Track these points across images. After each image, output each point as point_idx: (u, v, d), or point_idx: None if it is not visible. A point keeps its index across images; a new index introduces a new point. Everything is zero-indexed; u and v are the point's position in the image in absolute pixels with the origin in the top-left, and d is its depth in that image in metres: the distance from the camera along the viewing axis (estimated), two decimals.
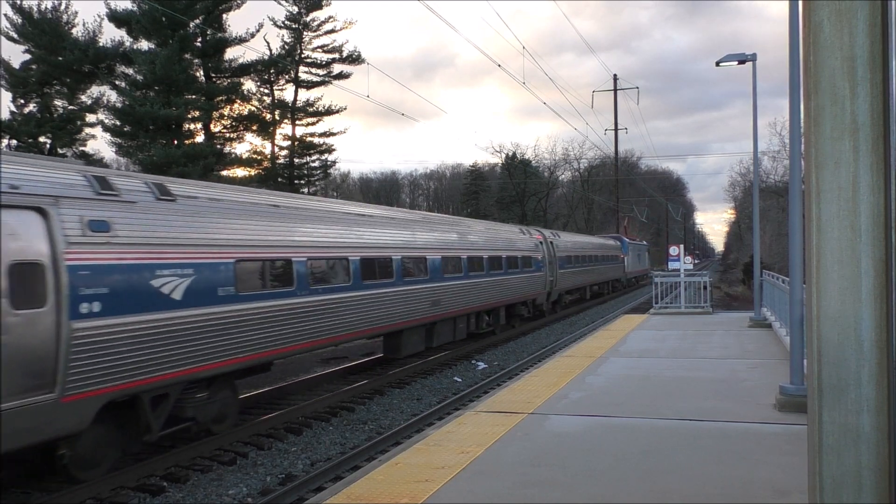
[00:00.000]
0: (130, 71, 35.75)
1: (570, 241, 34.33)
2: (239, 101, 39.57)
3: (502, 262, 21.87)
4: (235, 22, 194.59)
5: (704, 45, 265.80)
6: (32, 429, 7.24)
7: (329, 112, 44.34)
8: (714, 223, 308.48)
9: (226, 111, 39.38)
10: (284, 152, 44.37)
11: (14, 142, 33.32)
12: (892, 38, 3.20)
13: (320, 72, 44.63)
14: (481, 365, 18.35)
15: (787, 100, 9.03)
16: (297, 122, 44.42)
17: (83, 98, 36.07)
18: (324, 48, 44.11)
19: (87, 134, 36.51)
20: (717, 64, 17.29)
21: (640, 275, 59.69)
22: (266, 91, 43.25)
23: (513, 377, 14.59)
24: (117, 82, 35.79)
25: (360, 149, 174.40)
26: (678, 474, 6.25)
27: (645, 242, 69.77)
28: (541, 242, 27.21)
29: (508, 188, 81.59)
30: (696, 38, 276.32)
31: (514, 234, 25.25)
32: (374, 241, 14.55)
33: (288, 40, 43.57)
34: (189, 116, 35.98)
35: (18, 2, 34.36)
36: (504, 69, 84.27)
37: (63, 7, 35.38)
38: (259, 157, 42.26)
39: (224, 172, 37.82)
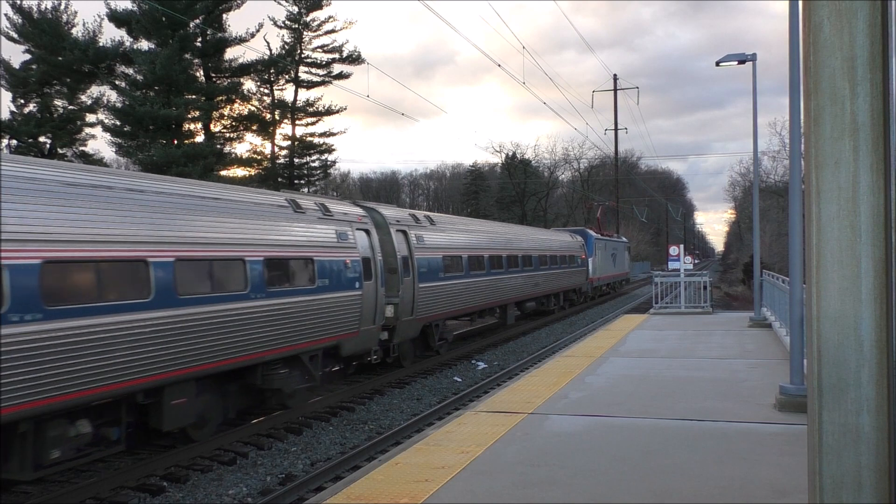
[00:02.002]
0: (130, 71, 35.81)
1: (461, 231, 20.42)
2: (239, 101, 39.64)
3: (213, 275, 9.96)
4: (235, 22, 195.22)
5: (707, 42, 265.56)
6: None
7: (329, 112, 44.41)
8: (714, 223, 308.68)
9: (226, 111, 39.46)
10: (284, 152, 44.45)
11: (14, 142, 33.34)
12: (892, 38, 3.20)
13: (320, 72, 44.73)
14: (481, 365, 18.35)
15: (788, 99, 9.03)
16: (297, 122, 44.49)
17: (83, 98, 36.13)
18: (324, 48, 44.18)
19: (87, 134, 36.63)
20: (717, 64, 17.29)
21: (614, 281, 45.81)
22: (266, 91, 43.34)
23: (513, 377, 14.59)
24: (117, 82, 35.84)
25: (360, 148, 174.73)
26: (678, 474, 6.25)
27: (624, 239, 53.39)
28: (365, 232, 14.23)
29: (508, 188, 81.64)
30: (699, 36, 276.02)
31: (276, 211, 11.75)
32: None
33: (288, 40, 43.70)
34: (189, 116, 36.02)
35: (18, 2, 34.40)
36: (504, 68, 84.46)
37: (63, 7, 35.46)
38: (259, 157, 42.32)
39: (224, 172, 37.85)
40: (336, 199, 15.66)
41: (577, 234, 37.18)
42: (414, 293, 16.16)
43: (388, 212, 16.39)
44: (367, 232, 14.45)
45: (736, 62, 17.00)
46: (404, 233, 16.25)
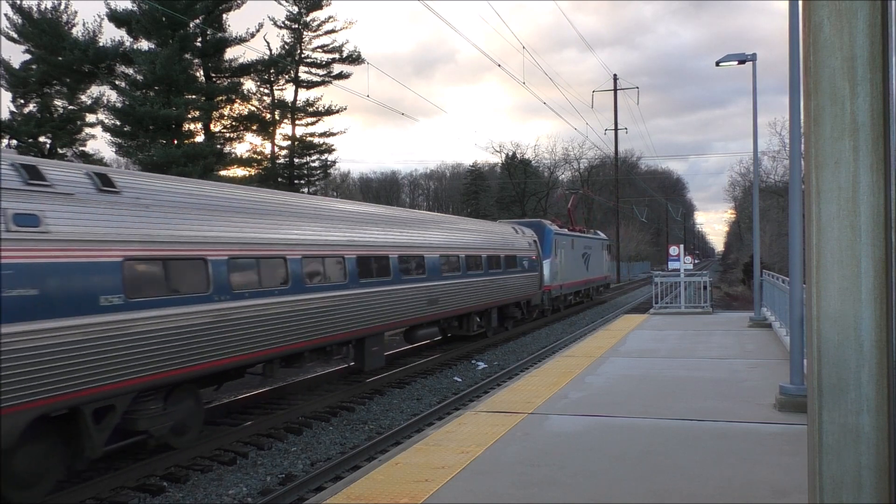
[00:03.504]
0: (130, 71, 35.79)
1: (213, 208, 9.96)
2: (239, 101, 39.64)
3: None
4: (235, 22, 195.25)
5: (710, 40, 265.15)
6: None
7: (329, 112, 44.43)
8: (714, 223, 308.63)
9: (226, 111, 39.47)
10: (284, 152, 44.46)
11: (14, 142, 33.34)
12: (892, 38, 3.20)
13: (320, 72, 44.75)
14: (481, 365, 18.35)
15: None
16: (297, 121, 44.50)
17: (83, 98, 36.11)
18: (324, 48, 44.21)
19: (87, 134, 36.59)
20: (717, 64, 17.29)
21: (586, 288, 36.31)
22: (266, 91, 43.34)
23: (513, 377, 14.59)
24: (117, 82, 35.83)
25: (360, 148, 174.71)
26: (678, 474, 6.25)
27: (602, 235, 43.82)
28: None
29: (508, 188, 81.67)
30: (702, 34, 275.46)
31: None
32: None
33: (288, 40, 43.73)
34: (189, 116, 36.02)
35: (18, 2, 34.39)
36: (504, 68, 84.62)
37: (63, 7, 35.43)
38: (259, 157, 42.34)
39: (224, 172, 37.86)
40: None
41: (528, 228, 27.09)
42: None
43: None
44: None
45: (736, 62, 17.00)
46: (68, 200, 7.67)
